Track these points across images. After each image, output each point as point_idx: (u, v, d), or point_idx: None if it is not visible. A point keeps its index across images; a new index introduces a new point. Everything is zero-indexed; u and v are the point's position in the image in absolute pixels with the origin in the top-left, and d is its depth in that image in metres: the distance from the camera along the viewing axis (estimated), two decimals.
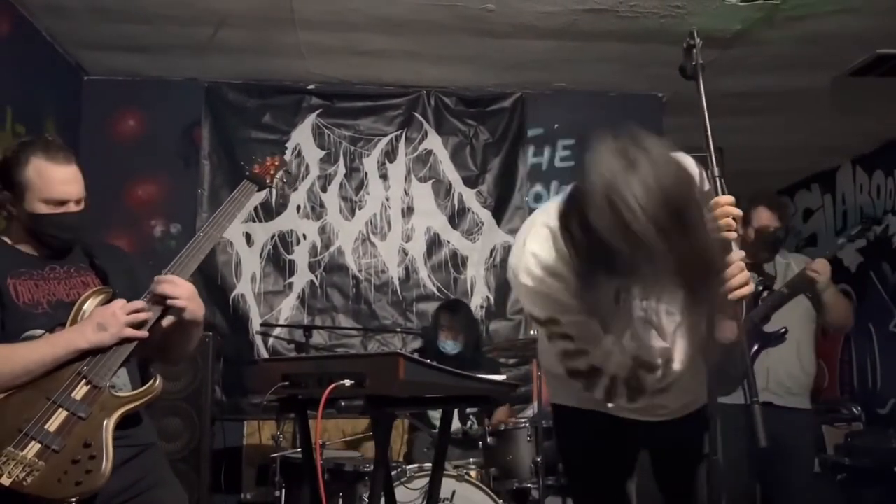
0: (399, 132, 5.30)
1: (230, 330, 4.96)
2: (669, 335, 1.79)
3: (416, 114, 5.31)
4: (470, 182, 5.31)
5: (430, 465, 2.96)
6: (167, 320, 2.28)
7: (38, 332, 2.15)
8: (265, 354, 4.93)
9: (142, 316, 2.18)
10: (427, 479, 3.03)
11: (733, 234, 1.71)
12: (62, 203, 2.22)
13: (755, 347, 3.53)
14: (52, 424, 2.02)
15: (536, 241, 1.82)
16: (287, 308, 5.07)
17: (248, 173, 2.61)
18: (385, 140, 5.28)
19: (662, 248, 1.45)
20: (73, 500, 1.98)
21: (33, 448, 1.98)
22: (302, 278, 5.11)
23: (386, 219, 5.23)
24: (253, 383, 4.49)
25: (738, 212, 1.72)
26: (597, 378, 1.85)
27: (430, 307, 4.98)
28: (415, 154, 5.30)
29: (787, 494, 3.59)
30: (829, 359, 6.58)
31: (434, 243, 5.24)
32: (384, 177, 5.25)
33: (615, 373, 1.83)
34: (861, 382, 6.28)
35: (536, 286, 1.82)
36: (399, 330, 5.11)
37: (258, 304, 5.03)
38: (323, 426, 4.12)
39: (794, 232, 7.37)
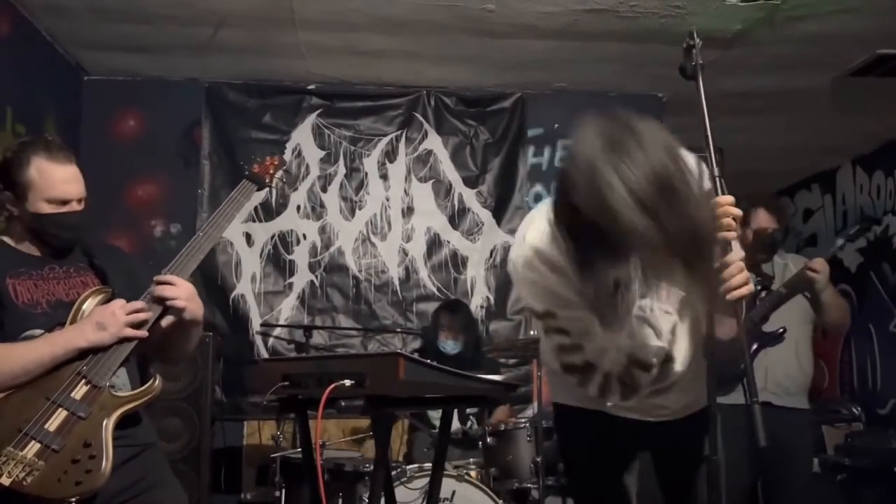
0: (399, 132, 5.30)
1: (230, 330, 4.96)
2: (666, 335, 1.79)
3: (416, 114, 5.31)
4: (470, 182, 5.31)
5: (430, 465, 2.96)
6: (167, 320, 2.28)
7: (38, 331, 2.15)
8: (265, 354, 4.93)
9: (141, 316, 2.18)
10: (427, 479, 3.03)
11: (733, 234, 1.71)
12: (65, 202, 2.22)
13: (754, 347, 3.54)
14: (52, 424, 2.02)
15: (536, 235, 1.83)
16: (287, 308, 5.07)
17: (247, 173, 2.61)
18: (385, 140, 5.28)
19: (648, 224, 1.45)
20: (73, 499, 1.98)
21: (33, 448, 1.98)
22: (302, 278, 5.11)
23: (386, 219, 5.23)
24: (253, 383, 4.49)
25: (738, 212, 1.72)
26: (591, 374, 1.86)
27: (431, 307, 4.98)
28: (415, 154, 5.30)
29: (786, 494, 3.59)
30: (829, 359, 6.58)
31: (434, 243, 5.24)
32: (384, 177, 5.25)
33: (609, 370, 1.83)
34: (861, 383, 6.28)
35: (535, 278, 1.83)
36: (399, 330, 5.11)
37: (258, 304, 5.03)
38: (323, 426, 4.13)
39: (794, 232, 7.37)
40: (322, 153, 5.22)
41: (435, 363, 2.11)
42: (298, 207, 5.16)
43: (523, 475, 3.83)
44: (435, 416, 4.22)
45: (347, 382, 1.95)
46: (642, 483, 2.09)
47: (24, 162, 2.19)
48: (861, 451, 4.98)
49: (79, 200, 2.26)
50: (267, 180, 2.63)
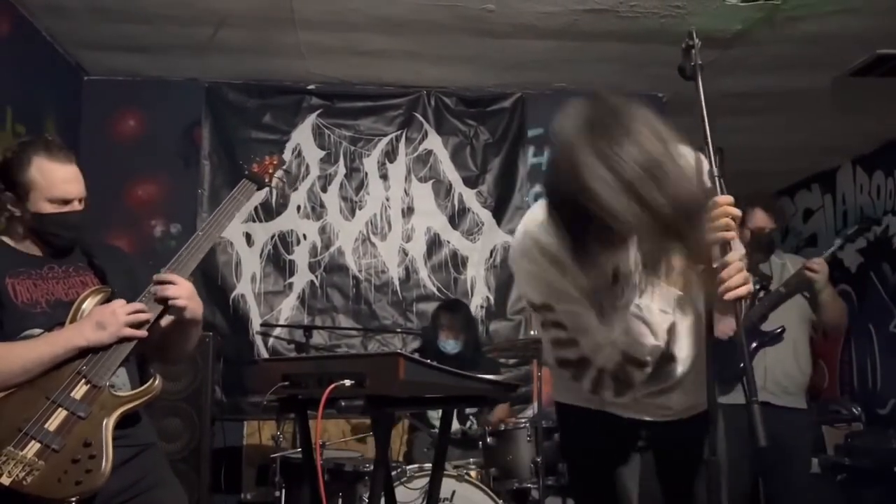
0: (399, 132, 5.30)
1: (230, 330, 4.96)
2: (662, 334, 1.79)
3: (416, 114, 5.31)
4: (470, 182, 5.31)
5: (430, 465, 2.96)
6: (166, 320, 2.29)
7: (37, 331, 2.15)
8: (265, 354, 4.93)
9: (141, 316, 2.18)
10: (427, 479, 3.03)
11: (732, 234, 1.71)
12: (66, 202, 2.22)
13: (753, 346, 3.54)
14: (52, 424, 2.02)
15: (536, 227, 1.84)
16: (287, 308, 5.07)
17: (246, 172, 2.62)
18: (385, 140, 5.28)
19: (630, 204, 1.47)
20: (73, 499, 1.98)
21: (33, 447, 1.98)
22: (302, 278, 5.11)
23: (386, 219, 5.23)
24: (253, 383, 4.49)
25: (737, 212, 1.72)
26: (585, 369, 1.87)
27: (431, 307, 4.98)
28: (415, 154, 5.30)
29: (786, 494, 3.60)
30: (829, 359, 6.58)
31: (434, 243, 5.24)
32: (384, 177, 5.26)
33: (603, 365, 1.84)
34: (861, 383, 6.28)
35: (534, 270, 1.85)
36: (399, 330, 5.11)
37: (258, 305, 5.03)
38: (323, 426, 4.13)
39: (794, 232, 7.37)
40: (322, 153, 5.22)
41: (435, 363, 2.11)
42: (298, 207, 5.16)
43: (523, 475, 3.83)
44: (435, 416, 4.23)
45: (347, 382, 1.95)
46: (644, 483, 2.08)
47: (25, 162, 2.19)
48: (861, 451, 4.97)
49: (80, 200, 2.26)
50: (266, 180, 2.63)
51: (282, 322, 5.01)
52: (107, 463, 2.03)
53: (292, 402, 2.29)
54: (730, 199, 1.73)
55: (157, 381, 2.22)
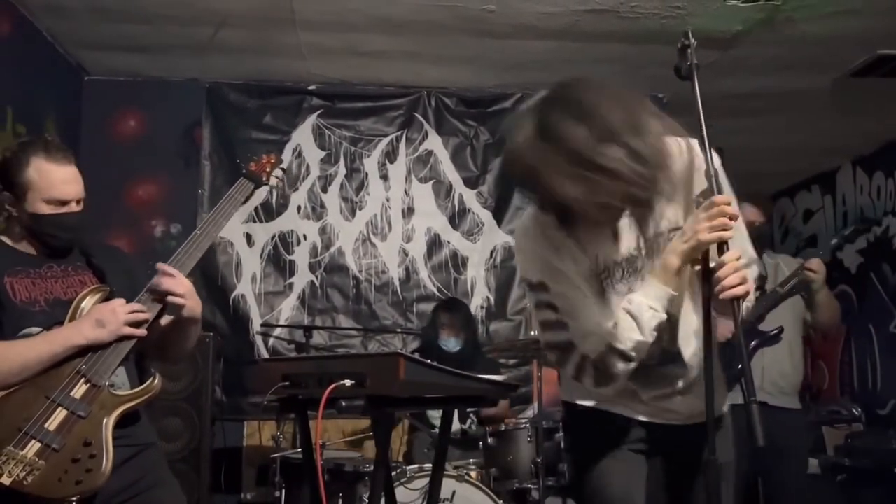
0: (399, 133, 5.30)
1: (230, 330, 4.96)
2: (648, 330, 1.80)
3: (416, 114, 5.32)
4: (470, 183, 5.31)
5: (430, 465, 2.96)
6: (165, 319, 2.29)
7: (36, 329, 2.15)
8: (265, 355, 4.93)
9: (141, 315, 2.18)
10: (427, 480, 3.03)
11: (730, 234, 1.71)
12: (64, 203, 2.22)
13: (751, 346, 3.55)
14: (52, 423, 2.02)
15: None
16: (287, 308, 5.07)
17: (244, 171, 2.62)
18: (385, 140, 5.29)
19: (584, 188, 1.61)
20: (74, 499, 1.98)
21: (33, 447, 1.98)
22: (302, 279, 5.11)
23: (386, 219, 5.23)
24: (253, 383, 4.49)
25: (735, 211, 1.72)
26: (569, 353, 1.89)
27: (431, 308, 4.97)
28: (415, 155, 5.30)
29: (783, 495, 3.60)
30: (829, 359, 6.59)
31: (434, 244, 5.24)
32: (385, 177, 5.26)
33: (587, 352, 1.85)
34: (861, 383, 6.28)
35: (534, 248, 1.89)
36: (399, 330, 5.11)
37: (258, 305, 5.03)
38: (323, 426, 4.13)
39: (794, 233, 7.37)
40: (322, 153, 5.22)
41: (435, 363, 2.11)
42: (299, 208, 5.17)
43: (523, 475, 3.83)
44: (435, 416, 4.22)
45: (348, 382, 1.95)
46: (650, 489, 2.07)
47: (24, 162, 2.19)
48: (861, 451, 4.97)
49: (77, 201, 2.26)
50: (264, 178, 2.63)
51: (282, 322, 5.02)
52: (107, 462, 2.03)
53: (292, 402, 2.29)
54: (727, 198, 1.73)
55: (156, 381, 2.22)
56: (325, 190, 5.20)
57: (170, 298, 2.22)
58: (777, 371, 3.59)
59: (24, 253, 2.27)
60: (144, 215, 5.02)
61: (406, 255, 5.21)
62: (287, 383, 2.12)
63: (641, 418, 1.97)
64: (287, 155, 5.11)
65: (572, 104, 1.65)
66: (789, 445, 3.50)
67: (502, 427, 3.98)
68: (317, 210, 5.18)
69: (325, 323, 5.06)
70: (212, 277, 4.96)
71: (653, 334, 1.81)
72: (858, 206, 6.50)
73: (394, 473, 3.50)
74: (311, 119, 5.23)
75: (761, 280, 3.61)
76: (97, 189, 2.49)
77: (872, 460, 4.81)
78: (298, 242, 5.14)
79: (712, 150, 1.81)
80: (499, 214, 5.30)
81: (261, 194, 4.73)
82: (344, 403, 2.02)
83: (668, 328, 1.91)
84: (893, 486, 4.59)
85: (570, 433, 2.23)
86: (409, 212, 5.25)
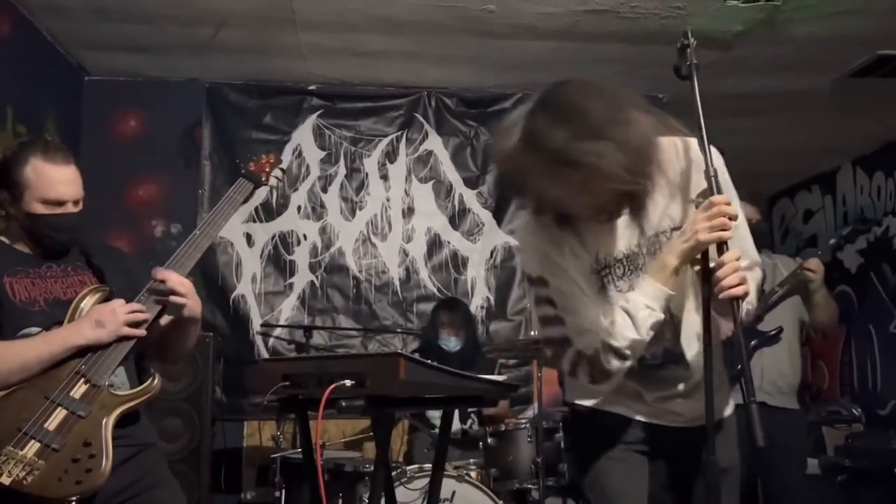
0: (400, 133, 5.30)
1: (230, 330, 4.96)
2: (644, 329, 1.80)
3: (416, 114, 5.32)
4: (470, 183, 5.31)
5: (431, 465, 2.95)
6: (165, 319, 2.29)
7: (35, 329, 2.15)
8: (265, 355, 4.92)
9: (140, 315, 2.18)
10: (427, 480, 3.03)
11: (728, 234, 1.71)
12: (60, 204, 2.21)
13: (751, 347, 3.55)
14: (52, 423, 2.02)
15: None
16: (287, 308, 5.07)
17: (243, 171, 2.62)
18: (385, 141, 5.29)
19: (563, 189, 1.68)
20: (73, 499, 1.98)
21: (33, 447, 1.98)
22: (302, 279, 5.11)
23: (386, 219, 5.23)
24: (253, 383, 4.49)
25: (734, 211, 1.72)
26: (565, 349, 1.88)
27: (431, 308, 4.97)
28: (415, 155, 5.30)
29: (781, 495, 3.60)
30: (829, 359, 6.59)
31: (434, 244, 5.24)
32: (385, 177, 5.26)
33: (583, 349, 1.85)
34: (861, 383, 6.28)
35: (534, 242, 1.90)
36: (399, 330, 5.11)
37: (258, 305, 5.03)
38: (323, 426, 4.13)
39: (794, 233, 7.37)
40: (322, 154, 5.22)
41: (435, 363, 2.11)
42: (299, 208, 5.17)
43: (523, 476, 3.83)
44: (435, 416, 4.22)
45: (348, 382, 1.95)
46: (654, 491, 2.06)
47: (22, 162, 2.19)
48: (861, 452, 4.97)
49: (75, 202, 2.25)
50: (263, 178, 2.63)
51: (282, 322, 5.01)
52: (107, 462, 2.03)
53: (292, 402, 2.29)
54: (725, 198, 1.73)
55: (156, 381, 2.22)
56: (325, 190, 5.20)
57: (171, 298, 2.22)
58: (776, 371, 3.60)
59: (24, 253, 2.27)
60: (144, 215, 5.02)
61: (406, 255, 5.21)
62: (287, 383, 2.12)
63: (640, 418, 1.97)
64: (287, 155, 5.11)
65: (554, 106, 1.67)
66: (788, 446, 3.51)
67: (502, 427, 3.97)
68: (317, 210, 5.18)
69: (325, 323, 5.06)
70: (212, 277, 4.96)
71: (649, 333, 1.81)
72: (858, 206, 6.50)
73: (394, 473, 3.50)
74: (311, 119, 5.24)
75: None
76: (97, 189, 2.49)
77: (872, 461, 4.81)
78: (298, 242, 5.14)
79: (713, 150, 1.81)
80: (499, 214, 5.29)
81: (261, 194, 4.75)
82: (344, 403, 2.01)
83: (671, 328, 1.91)
84: (893, 486, 4.59)
85: (571, 433, 2.23)
86: (409, 212, 5.25)
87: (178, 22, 4.35)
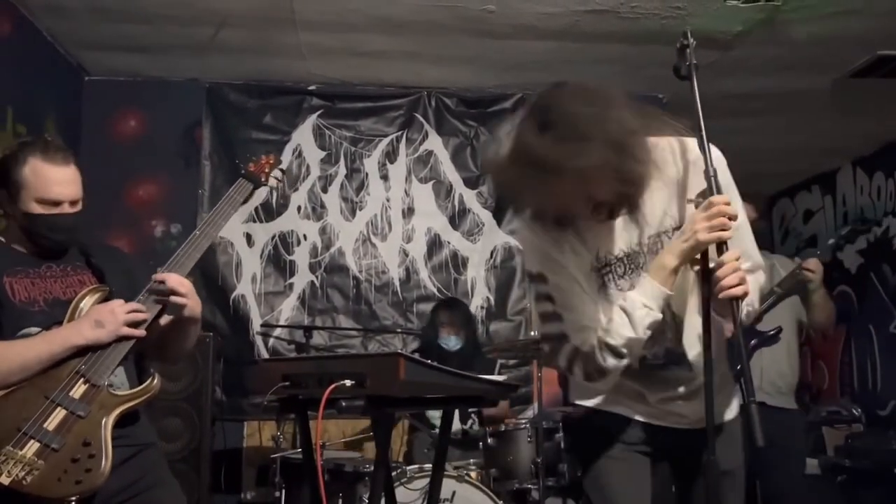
0: (400, 133, 5.30)
1: (230, 330, 4.96)
2: (641, 328, 1.80)
3: (416, 115, 5.32)
4: (470, 183, 5.31)
5: (430, 465, 2.95)
6: (165, 319, 2.29)
7: (35, 329, 2.15)
8: (265, 355, 4.92)
9: (140, 315, 2.18)
10: (427, 480, 3.03)
11: (728, 234, 1.71)
12: (56, 204, 2.21)
13: (750, 347, 3.56)
14: (51, 423, 2.02)
15: None
16: (287, 308, 5.07)
17: (243, 172, 2.63)
18: (386, 141, 5.29)
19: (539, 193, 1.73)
20: (73, 499, 1.98)
21: (32, 447, 1.98)
22: (302, 279, 5.11)
23: (386, 219, 5.23)
24: (253, 383, 4.48)
25: (733, 211, 1.72)
26: (562, 345, 1.90)
27: (431, 308, 4.97)
28: (415, 155, 5.30)
29: (780, 495, 3.61)
30: (829, 360, 6.58)
31: (434, 244, 5.24)
32: (385, 178, 5.26)
33: (579, 345, 1.86)
34: (861, 384, 6.28)
35: (534, 239, 1.91)
36: (399, 330, 5.11)
37: (258, 305, 5.03)
38: (323, 426, 4.13)
39: (794, 233, 7.37)
40: (322, 154, 5.22)
41: (435, 363, 2.11)
42: (299, 208, 5.16)
43: (523, 476, 3.82)
44: (435, 416, 4.22)
45: (348, 382, 1.95)
46: (658, 493, 2.06)
47: (21, 161, 2.19)
48: (861, 452, 4.97)
49: (71, 203, 2.24)
50: (263, 179, 2.64)
51: (282, 322, 5.01)
52: (106, 462, 2.03)
53: (292, 402, 2.29)
54: (725, 198, 1.73)
55: (155, 380, 2.22)
56: (325, 190, 5.20)
57: (171, 298, 2.22)
58: (775, 371, 3.60)
59: (23, 253, 2.27)
60: (144, 215, 5.02)
61: (406, 255, 5.21)
62: (287, 383, 2.12)
63: (639, 418, 1.97)
64: (287, 155, 5.11)
65: (540, 112, 1.69)
66: (787, 446, 3.51)
67: (502, 427, 3.97)
68: (317, 210, 5.18)
69: (325, 323, 5.06)
70: (212, 277, 4.96)
71: (646, 332, 1.81)
72: (858, 206, 6.50)
73: (394, 473, 3.50)
74: (312, 119, 5.23)
75: None
76: (97, 189, 2.49)
77: (872, 461, 4.81)
78: (298, 242, 5.14)
79: (716, 150, 1.82)
80: (499, 215, 5.29)
81: (261, 195, 4.75)
82: (344, 403, 2.02)
83: (673, 329, 1.91)
84: (893, 486, 4.59)
85: (571, 433, 2.24)
86: (409, 212, 5.25)
87: (178, 22, 4.35)
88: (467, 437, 4.19)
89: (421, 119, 5.31)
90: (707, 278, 1.74)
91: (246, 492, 4.55)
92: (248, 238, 5.09)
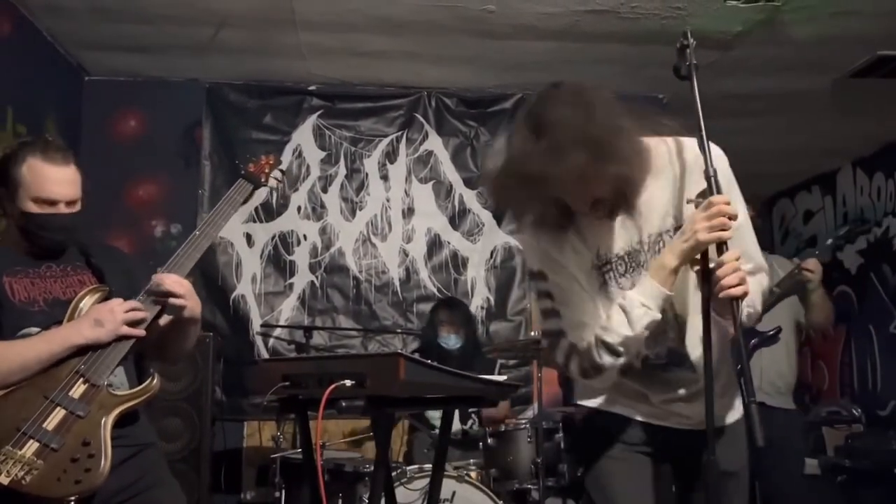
0: (400, 133, 5.30)
1: (230, 330, 4.95)
2: (639, 327, 1.80)
3: (416, 115, 5.32)
4: (470, 183, 5.31)
5: (431, 465, 2.95)
6: (165, 319, 2.29)
7: (34, 329, 2.14)
8: (265, 355, 4.92)
9: (139, 314, 2.18)
10: (427, 480, 3.03)
11: (728, 234, 1.71)
12: (52, 203, 2.20)
13: (750, 347, 3.56)
14: (51, 423, 2.02)
15: None
16: (287, 309, 5.07)
17: (242, 172, 2.63)
18: (386, 141, 5.29)
19: (528, 198, 1.77)
20: (72, 498, 1.98)
21: (32, 447, 1.98)
22: (302, 279, 5.11)
23: (386, 220, 5.23)
24: (253, 384, 4.49)
25: (733, 211, 1.72)
26: (560, 341, 1.91)
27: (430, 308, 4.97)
28: (415, 155, 5.30)
29: (780, 495, 3.61)
30: (829, 360, 6.58)
31: (434, 244, 5.24)
32: (385, 178, 5.26)
33: (577, 342, 1.86)
34: (861, 384, 6.28)
35: (534, 237, 1.92)
36: (399, 331, 5.11)
37: (258, 305, 5.03)
38: (323, 426, 4.12)
39: (794, 234, 7.37)
40: (322, 154, 5.22)
41: (435, 363, 2.11)
42: (299, 208, 5.16)
43: (523, 476, 3.82)
44: (435, 416, 4.22)
45: (348, 383, 1.95)
46: (661, 493, 2.06)
47: (20, 160, 2.19)
48: (861, 452, 4.97)
49: (68, 203, 2.23)
50: (262, 179, 2.64)
51: (282, 322, 5.01)
52: (106, 462, 2.03)
53: (292, 402, 2.28)
54: (725, 198, 1.73)
55: (155, 380, 2.22)
56: (325, 190, 5.20)
57: (171, 300, 2.22)
58: (775, 371, 3.61)
59: (23, 252, 2.26)
60: (144, 215, 5.02)
61: (406, 255, 5.21)
62: (287, 383, 2.12)
63: (640, 418, 1.97)
64: (287, 155, 5.12)
65: (530, 118, 1.72)
66: (787, 446, 3.52)
67: (502, 427, 3.97)
68: (317, 210, 5.18)
69: (325, 323, 5.06)
70: (212, 277, 4.96)
71: (644, 331, 1.81)
72: (858, 207, 6.50)
73: (394, 474, 3.50)
74: (312, 119, 5.23)
75: None
76: (97, 189, 2.49)
77: (872, 461, 4.81)
78: (298, 243, 5.14)
79: (718, 149, 1.82)
80: (499, 214, 5.29)
81: (261, 195, 4.74)
82: (344, 403, 2.01)
83: (676, 329, 1.90)
84: (893, 486, 4.59)
85: (571, 433, 2.24)
86: (409, 212, 5.25)
87: (178, 22, 4.35)
88: (467, 437, 4.19)
89: (421, 119, 5.31)
90: (707, 278, 1.73)
91: (246, 492, 4.55)
92: (248, 238, 5.09)
